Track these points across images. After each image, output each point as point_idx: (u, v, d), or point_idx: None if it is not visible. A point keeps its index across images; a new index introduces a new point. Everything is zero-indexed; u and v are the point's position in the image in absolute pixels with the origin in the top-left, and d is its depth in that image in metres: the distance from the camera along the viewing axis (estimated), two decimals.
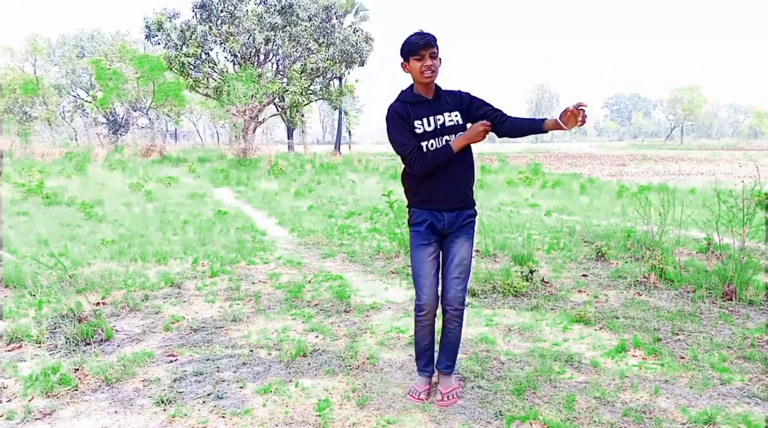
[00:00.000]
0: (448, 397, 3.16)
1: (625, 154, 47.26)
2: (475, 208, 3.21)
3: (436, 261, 3.13)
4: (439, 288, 3.15)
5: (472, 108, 3.13)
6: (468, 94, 3.17)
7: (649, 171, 24.81)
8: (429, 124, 3.05)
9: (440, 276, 3.17)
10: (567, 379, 3.42)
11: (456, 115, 3.09)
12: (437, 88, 3.12)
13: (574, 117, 2.74)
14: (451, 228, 3.11)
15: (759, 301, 4.90)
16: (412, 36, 2.98)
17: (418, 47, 2.94)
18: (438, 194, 3.07)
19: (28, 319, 4.45)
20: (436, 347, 3.31)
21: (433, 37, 2.97)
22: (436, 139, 3.05)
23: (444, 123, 3.06)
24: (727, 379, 3.40)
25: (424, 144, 3.05)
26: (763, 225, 7.15)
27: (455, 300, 3.11)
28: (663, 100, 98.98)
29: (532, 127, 3.01)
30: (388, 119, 3.09)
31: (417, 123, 3.05)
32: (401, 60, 3.03)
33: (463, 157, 3.10)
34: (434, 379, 3.33)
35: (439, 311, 3.19)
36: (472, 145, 3.14)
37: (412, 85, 3.13)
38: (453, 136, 3.06)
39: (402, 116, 3.06)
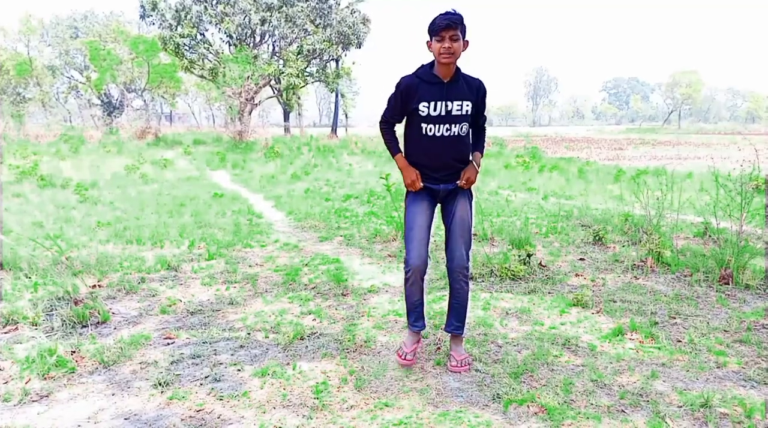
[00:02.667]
0: (461, 363, 3.26)
1: (623, 137, 47.19)
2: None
3: (428, 220, 3.21)
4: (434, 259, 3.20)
5: (480, 109, 3.22)
6: (485, 91, 3.21)
7: (647, 155, 24.79)
8: (435, 109, 3.07)
9: (444, 240, 3.30)
10: (564, 362, 3.42)
11: (467, 105, 3.12)
12: (457, 71, 3.11)
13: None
14: (446, 195, 3.25)
15: (756, 285, 4.91)
16: (438, 15, 2.99)
17: (440, 28, 2.95)
18: (429, 168, 3.20)
19: (24, 301, 4.43)
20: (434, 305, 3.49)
21: (458, 19, 2.98)
22: (437, 125, 3.09)
23: (451, 110, 3.08)
24: (724, 363, 3.41)
25: (424, 126, 3.10)
26: (760, 209, 7.15)
27: (461, 258, 3.20)
28: (661, 84, 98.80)
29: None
30: (396, 86, 3.16)
31: (422, 105, 3.07)
32: (427, 38, 3.05)
33: (458, 146, 3.18)
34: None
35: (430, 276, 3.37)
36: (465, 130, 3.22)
37: (433, 62, 3.12)
38: (456, 125, 3.10)
39: (405, 93, 3.12)
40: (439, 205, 3.35)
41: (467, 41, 3.05)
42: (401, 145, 3.32)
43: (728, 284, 4.94)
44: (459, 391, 3.07)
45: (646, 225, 6.37)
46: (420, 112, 3.08)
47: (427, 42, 3.05)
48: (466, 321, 3.42)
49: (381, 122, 3.30)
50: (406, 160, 3.26)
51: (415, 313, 3.37)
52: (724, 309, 4.37)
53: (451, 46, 2.95)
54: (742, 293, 4.77)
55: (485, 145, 3.38)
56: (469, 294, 3.35)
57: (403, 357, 3.33)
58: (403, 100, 3.13)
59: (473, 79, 3.18)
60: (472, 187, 3.32)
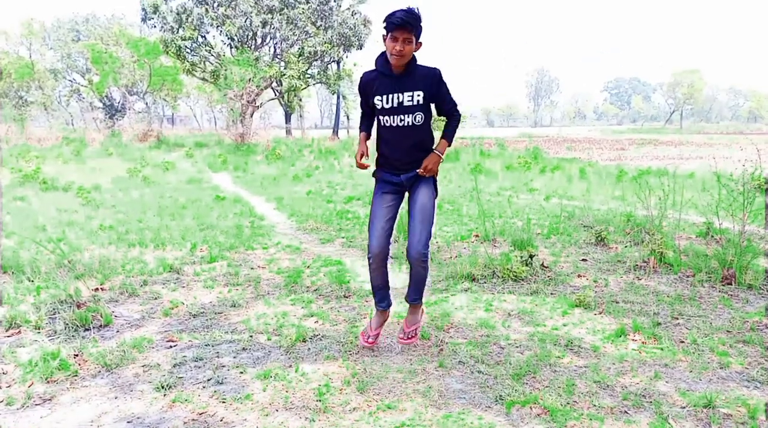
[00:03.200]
0: (408, 336, 3.54)
1: (625, 138, 47.13)
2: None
3: (392, 211, 3.40)
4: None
5: (438, 96, 3.32)
6: (439, 78, 3.28)
7: (649, 155, 24.77)
8: (388, 102, 3.25)
9: (407, 228, 3.41)
10: (567, 364, 3.42)
11: (419, 95, 3.23)
12: (411, 64, 3.22)
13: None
14: (411, 184, 3.40)
15: (758, 285, 4.90)
16: (397, 11, 3.07)
17: (395, 26, 3.05)
18: (391, 158, 3.38)
19: (26, 305, 4.44)
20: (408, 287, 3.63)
21: (413, 21, 3.04)
22: (391, 117, 3.27)
23: (402, 102, 3.23)
24: (727, 363, 3.40)
25: (381, 118, 3.32)
26: (763, 209, 7.14)
27: (419, 244, 3.30)
28: (663, 84, 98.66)
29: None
30: (358, 83, 3.41)
31: (377, 99, 3.27)
32: (383, 28, 3.15)
33: (414, 134, 3.31)
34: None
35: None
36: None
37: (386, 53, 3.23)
38: (409, 115, 3.25)
39: (363, 90, 3.37)
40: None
41: (420, 43, 3.17)
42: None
43: (731, 284, 4.93)
44: (462, 393, 3.07)
45: (648, 226, 6.36)
46: (376, 106, 3.28)
47: (383, 35, 3.15)
48: (468, 321, 3.45)
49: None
50: (377, 159, 3.47)
51: (379, 294, 3.60)
52: (727, 310, 4.36)
53: (403, 49, 3.08)
54: (745, 293, 4.76)
55: (455, 131, 3.45)
56: (428, 273, 3.51)
57: (366, 338, 3.55)
58: (364, 95, 3.37)
59: (427, 68, 3.27)
60: (437, 179, 3.46)
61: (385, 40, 3.15)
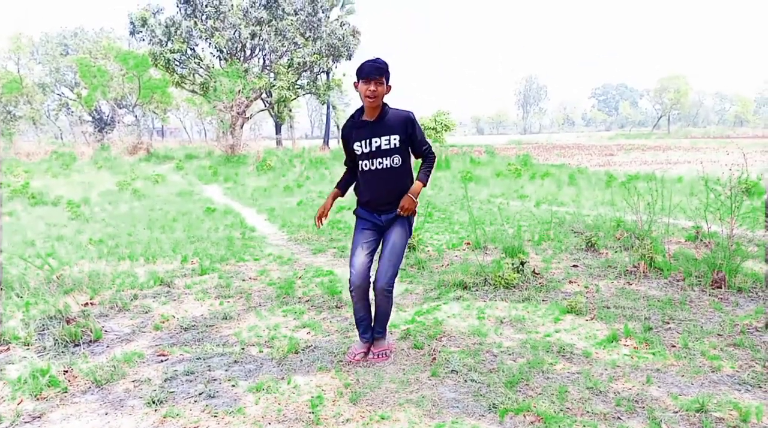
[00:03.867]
0: (377, 355, 3.66)
1: (613, 143, 47.50)
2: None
3: (371, 246, 3.57)
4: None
5: (412, 139, 3.48)
6: (412, 121, 3.46)
7: (637, 160, 24.96)
8: (366, 146, 3.44)
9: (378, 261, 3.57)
10: (559, 370, 3.42)
11: (395, 139, 3.42)
12: (384, 109, 3.45)
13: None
14: (389, 224, 3.57)
15: (748, 288, 4.94)
16: (367, 61, 3.35)
17: (367, 74, 3.30)
18: (371, 200, 3.55)
19: (15, 321, 4.39)
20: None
21: (382, 66, 3.33)
22: (370, 160, 3.45)
23: (380, 146, 3.42)
24: (718, 367, 3.42)
25: (360, 162, 3.49)
26: (750, 212, 7.21)
27: (383, 280, 3.48)
28: (649, 90, 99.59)
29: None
30: (341, 134, 3.66)
31: (356, 145, 3.47)
32: (354, 79, 3.40)
33: (392, 177, 3.47)
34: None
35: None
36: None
37: (363, 107, 3.47)
38: (387, 158, 3.43)
39: (344, 139, 3.60)
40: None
41: (390, 86, 3.40)
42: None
43: (721, 287, 4.96)
44: (455, 402, 3.06)
45: (637, 231, 6.40)
46: (356, 151, 3.48)
47: (355, 83, 3.40)
48: (460, 329, 3.44)
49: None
50: (356, 190, 3.68)
51: (361, 326, 3.70)
52: (717, 313, 4.39)
53: (376, 90, 3.31)
54: (735, 296, 4.80)
55: (431, 172, 3.61)
56: (392, 306, 3.66)
57: (351, 357, 3.65)
58: (345, 143, 3.59)
59: (400, 112, 3.47)
60: (413, 219, 3.63)
61: (356, 87, 3.39)
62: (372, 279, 3.56)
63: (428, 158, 3.58)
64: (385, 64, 3.34)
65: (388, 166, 3.44)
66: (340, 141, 3.55)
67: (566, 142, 55.00)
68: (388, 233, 3.56)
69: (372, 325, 3.70)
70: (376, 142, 3.40)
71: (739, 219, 5.50)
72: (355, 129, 3.49)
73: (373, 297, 3.59)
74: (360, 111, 3.51)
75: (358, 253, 3.53)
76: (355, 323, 3.74)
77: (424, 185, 3.56)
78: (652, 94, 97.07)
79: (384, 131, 3.40)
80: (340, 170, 20.19)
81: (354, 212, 3.70)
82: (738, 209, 5.38)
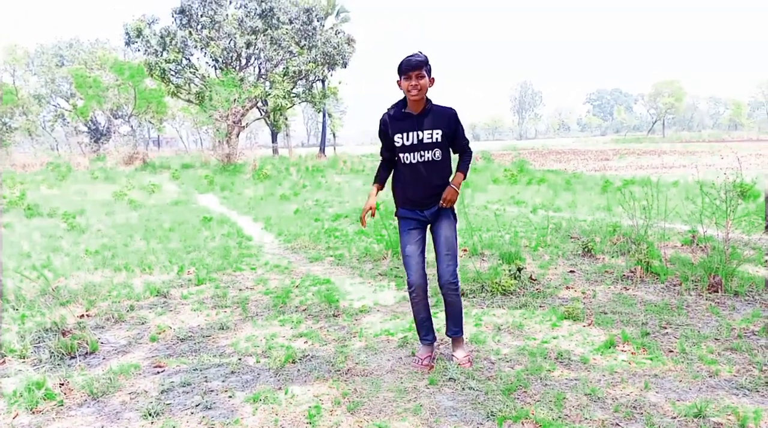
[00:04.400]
0: (467, 361, 3.61)
1: (609, 148, 47.66)
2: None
3: (421, 245, 3.56)
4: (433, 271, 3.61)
5: (454, 134, 3.50)
6: (456, 118, 3.49)
7: (633, 164, 25.04)
8: (408, 139, 3.43)
9: (435, 258, 3.60)
10: (557, 377, 3.42)
11: (438, 133, 3.42)
12: (427, 103, 3.45)
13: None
14: (433, 218, 3.55)
15: (744, 292, 4.94)
16: (405, 57, 3.34)
17: (407, 68, 3.29)
18: (411, 197, 3.53)
19: (11, 334, 4.37)
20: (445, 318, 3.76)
21: (422, 60, 3.31)
22: (413, 154, 3.45)
23: (423, 139, 3.42)
24: (716, 371, 3.41)
25: (401, 155, 3.48)
26: (745, 216, 7.23)
27: (448, 274, 3.51)
28: (644, 95, 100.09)
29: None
30: (379, 126, 3.58)
31: (397, 137, 3.45)
32: (397, 77, 3.38)
33: (433, 170, 3.47)
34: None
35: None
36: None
37: (405, 99, 3.46)
38: (430, 151, 3.43)
39: (382, 129, 3.55)
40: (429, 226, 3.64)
41: (433, 79, 3.41)
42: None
43: (717, 292, 4.97)
44: (453, 410, 3.05)
45: (634, 235, 6.41)
46: (396, 143, 3.46)
47: (398, 81, 3.39)
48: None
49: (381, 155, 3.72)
50: (397, 199, 3.63)
51: (424, 328, 3.70)
52: (714, 318, 4.39)
53: (418, 83, 3.30)
54: (732, 300, 4.80)
55: (469, 165, 3.63)
56: (462, 303, 3.68)
57: (419, 364, 3.63)
58: (383, 135, 3.55)
59: (444, 108, 3.49)
60: (455, 209, 3.60)
61: (400, 85, 3.38)
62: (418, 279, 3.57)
63: (466, 153, 3.61)
64: (425, 57, 3.33)
65: (430, 159, 3.45)
66: (379, 131, 3.62)
67: (562, 147, 55.16)
68: (437, 228, 3.55)
69: (445, 324, 3.74)
70: (419, 135, 3.41)
71: (734, 223, 5.51)
72: (396, 121, 3.48)
73: (442, 295, 3.63)
74: (401, 104, 3.50)
75: (411, 253, 3.53)
76: (416, 327, 3.74)
77: (464, 177, 3.57)
78: (646, 98, 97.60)
79: (428, 125, 3.42)
80: (337, 178, 20.07)
81: (396, 214, 3.68)
82: (733, 213, 5.40)
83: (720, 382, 3.28)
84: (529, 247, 7.17)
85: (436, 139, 3.41)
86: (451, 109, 3.49)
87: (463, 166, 3.57)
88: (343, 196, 14.03)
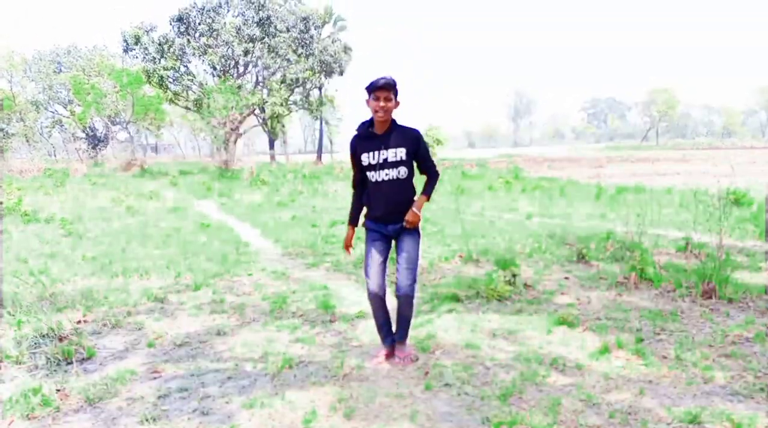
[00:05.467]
0: (403, 360, 3.81)
1: (603, 156, 47.84)
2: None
3: (383, 255, 3.72)
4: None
5: (418, 155, 3.66)
6: (418, 138, 3.65)
7: (627, 172, 25.13)
8: (373, 158, 3.59)
9: (395, 269, 3.75)
10: (552, 383, 3.44)
11: (402, 151, 3.58)
12: (392, 124, 3.61)
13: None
14: (397, 234, 3.73)
15: (738, 298, 4.97)
16: (376, 79, 3.47)
17: (376, 88, 3.45)
18: (380, 213, 3.69)
19: (7, 339, 4.37)
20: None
21: (390, 83, 3.47)
22: (378, 172, 3.60)
23: (387, 158, 3.57)
24: (710, 377, 3.44)
25: (369, 174, 3.64)
26: (739, 223, 7.28)
27: (405, 288, 3.67)
28: (638, 103, 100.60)
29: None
30: (349, 148, 3.74)
31: (364, 156, 3.61)
32: (366, 95, 3.53)
33: (398, 188, 3.62)
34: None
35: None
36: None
37: (372, 118, 3.60)
38: (394, 169, 3.58)
39: (352, 152, 3.70)
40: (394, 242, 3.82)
41: (398, 101, 3.55)
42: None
43: (711, 298, 5.00)
44: (449, 415, 3.07)
45: (628, 242, 6.45)
46: (362, 162, 3.62)
47: (366, 100, 3.54)
48: (453, 342, 3.48)
49: (352, 186, 3.89)
50: (367, 212, 3.80)
51: (383, 331, 3.90)
52: (708, 324, 4.42)
53: (385, 105, 3.47)
54: (726, 306, 4.83)
55: (433, 188, 3.79)
56: (413, 312, 3.85)
57: (375, 361, 3.83)
58: (353, 156, 3.69)
59: (408, 129, 3.65)
60: (420, 227, 3.75)
61: (368, 103, 3.53)
62: (376, 287, 3.72)
63: (432, 175, 3.76)
64: (394, 81, 3.49)
65: (395, 177, 3.60)
66: (350, 155, 3.81)
67: (556, 154, 55.33)
68: (400, 243, 3.71)
69: (394, 330, 3.90)
70: (383, 154, 3.56)
71: (728, 230, 5.56)
72: (363, 140, 3.64)
73: (397, 304, 3.77)
74: (367, 124, 3.65)
75: (373, 262, 3.70)
76: (378, 330, 3.92)
77: (427, 199, 3.73)
78: (640, 106, 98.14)
79: (393, 144, 3.57)
80: (334, 184, 20.08)
81: (363, 225, 3.85)
82: (727, 219, 5.44)
83: (715, 388, 3.31)
84: (524, 254, 7.20)
85: (401, 157, 3.56)
86: (415, 130, 3.65)
87: (429, 189, 3.74)
88: (340, 202, 14.06)
